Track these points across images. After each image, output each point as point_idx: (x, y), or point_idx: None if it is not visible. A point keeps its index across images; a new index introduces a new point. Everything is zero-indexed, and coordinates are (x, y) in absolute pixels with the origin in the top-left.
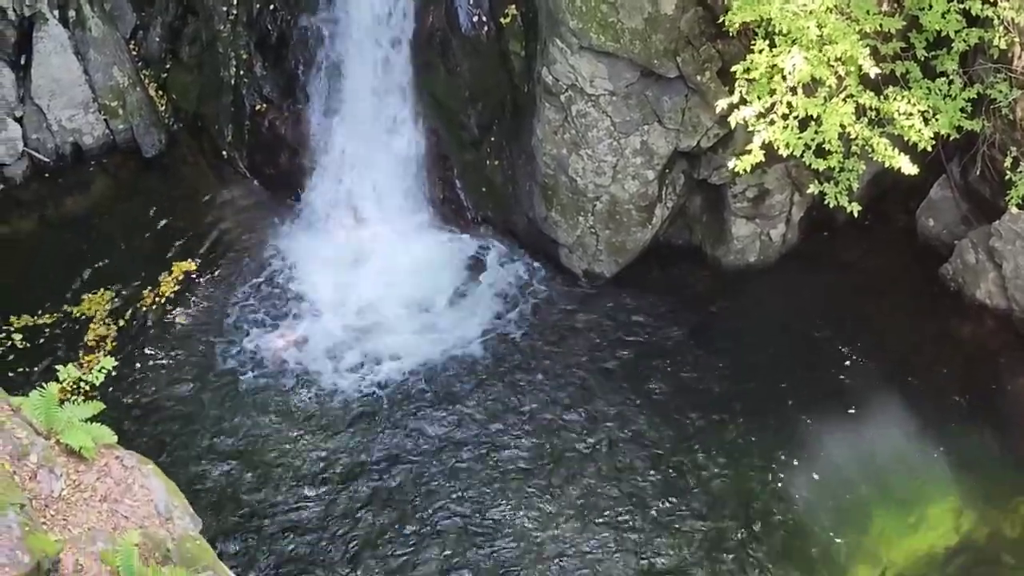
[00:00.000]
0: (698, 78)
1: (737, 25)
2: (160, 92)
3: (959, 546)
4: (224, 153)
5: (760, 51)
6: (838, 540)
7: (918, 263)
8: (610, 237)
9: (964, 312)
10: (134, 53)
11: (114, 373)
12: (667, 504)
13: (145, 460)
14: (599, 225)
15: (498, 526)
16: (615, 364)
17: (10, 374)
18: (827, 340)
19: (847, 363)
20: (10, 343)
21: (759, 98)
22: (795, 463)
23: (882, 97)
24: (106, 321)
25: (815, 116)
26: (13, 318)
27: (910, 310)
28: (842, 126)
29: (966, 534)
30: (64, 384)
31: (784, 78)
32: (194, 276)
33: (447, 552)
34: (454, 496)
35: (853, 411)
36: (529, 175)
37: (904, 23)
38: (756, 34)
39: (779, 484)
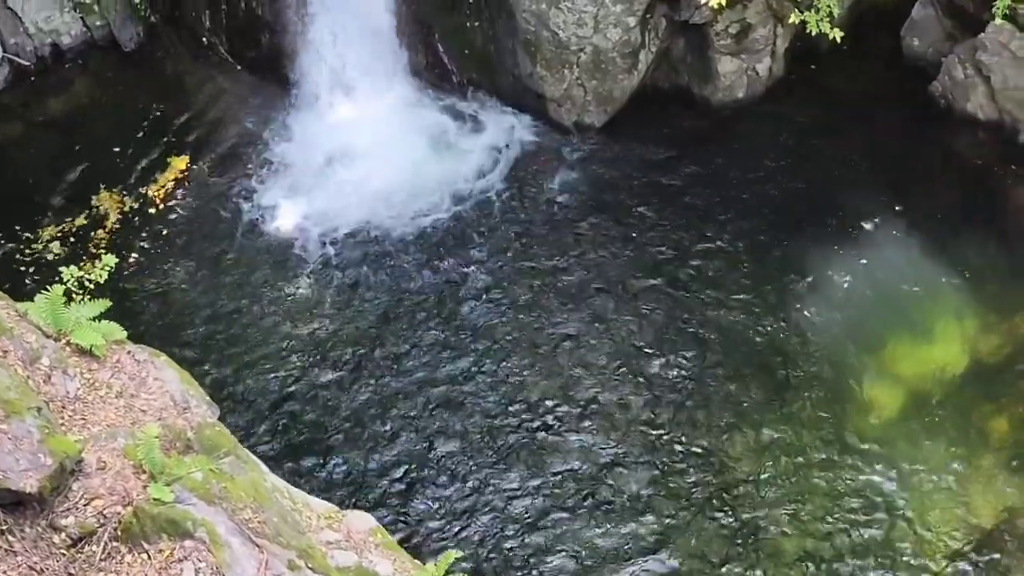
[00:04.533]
0: None
1: None
2: None
3: (968, 358)
4: (204, 40)
5: None
6: (851, 359)
7: (906, 84)
8: (597, 87)
9: (956, 127)
10: None
11: (118, 270)
12: (683, 335)
13: (156, 353)
14: (585, 76)
15: (503, 369)
16: (615, 209)
17: (27, 283)
18: (823, 167)
19: (845, 187)
20: (34, 254)
21: None
22: (803, 287)
23: None
24: (106, 221)
25: None
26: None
27: (903, 130)
28: None
29: (974, 346)
30: (68, 285)
31: None
32: (188, 168)
33: (447, 411)
34: (452, 352)
35: (855, 232)
36: (510, 33)
37: None
38: None
39: (790, 309)
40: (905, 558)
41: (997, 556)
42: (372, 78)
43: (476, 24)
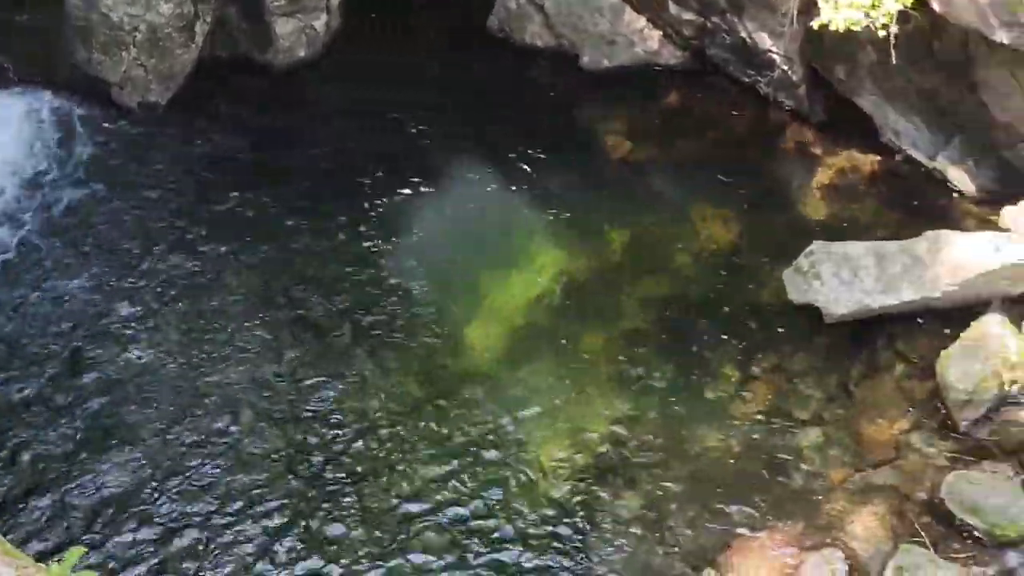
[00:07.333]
0: None
1: None
2: None
3: (560, 284)
4: None
5: None
6: (448, 304)
7: (465, 21)
8: (156, 65)
9: (519, 59)
10: None
11: None
12: (267, 312)
13: None
14: (143, 56)
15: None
16: (191, 187)
17: None
18: (395, 116)
19: (420, 133)
20: None
21: None
22: (389, 241)
23: None
24: None
25: None
26: None
27: (468, 68)
28: None
29: (564, 271)
30: None
31: None
32: None
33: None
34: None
35: (435, 178)
36: (63, 22)
37: None
38: None
39: (378, 266)
40: (526, 491)
41: (613, 469)
42: None
43: (25, 17)
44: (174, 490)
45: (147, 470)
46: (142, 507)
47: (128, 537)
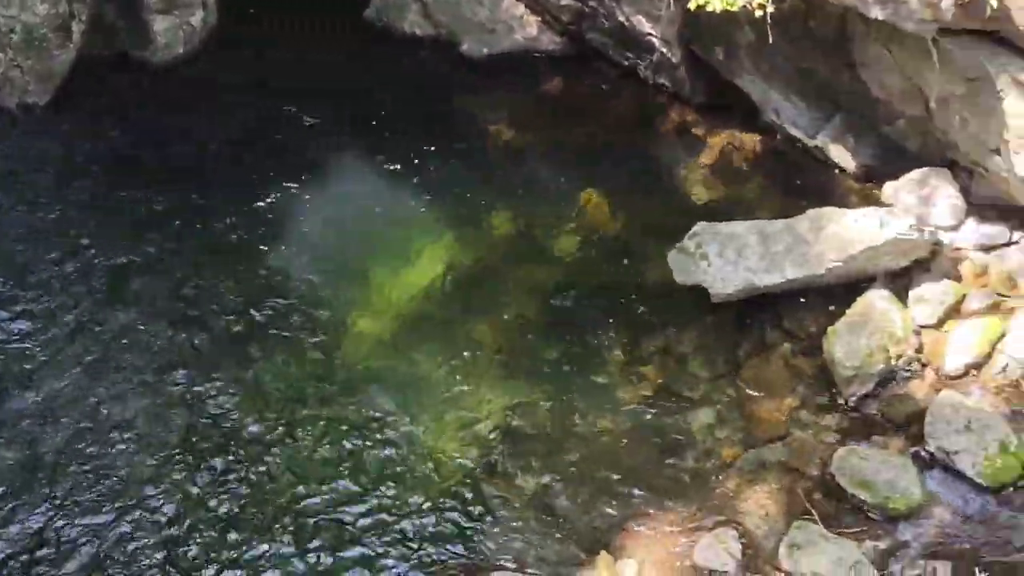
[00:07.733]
0: None
1: None
2: None
3: (448, 272)
4: None
5: None
6: (337, 297)
7: (344, 13)
8: (33, 66)
9: (399, 48)
10: None
11: None
12: (151, 312)
13: None
14: (20, 56)
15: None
16: (79, 190)
17: None
18: (277, 111)
19: (299, 127)
20: None
21: None
22: (277, 243)
23: None
24: None
25: None
26: None
27: (346, 59)
28: None
29: (452, 259)
30: None
31: None
32: None
33: None
34: None
35: (321, 173)
36: None
37: None
38: None
39: (267, 268)
40: (417, 480)
41: (505, 456)
42: None
43: None
44: (69, 489)
45: (41, 474)
46: (38, 513)
47: (25, 543)
